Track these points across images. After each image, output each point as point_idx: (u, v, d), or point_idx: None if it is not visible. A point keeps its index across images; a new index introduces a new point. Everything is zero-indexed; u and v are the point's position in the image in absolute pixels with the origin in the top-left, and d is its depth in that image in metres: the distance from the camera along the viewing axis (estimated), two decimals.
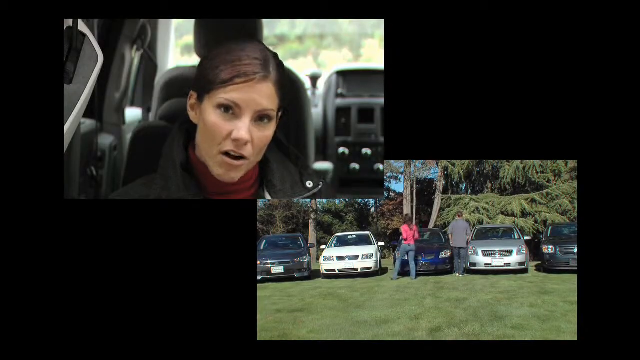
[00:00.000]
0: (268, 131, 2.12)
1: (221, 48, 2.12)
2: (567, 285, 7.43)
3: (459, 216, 11.21)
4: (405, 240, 9.90)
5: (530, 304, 5.79)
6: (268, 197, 2.30)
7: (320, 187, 2.36)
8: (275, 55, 2.17)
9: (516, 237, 10.93)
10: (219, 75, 2.05)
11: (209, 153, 2.12)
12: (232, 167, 2.10)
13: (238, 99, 2.03)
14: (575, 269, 3.41)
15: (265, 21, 3.47)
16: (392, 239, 10.82)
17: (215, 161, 2.11)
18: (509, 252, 10.02)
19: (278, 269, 10.10)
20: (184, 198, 2.18)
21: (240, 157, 2.09)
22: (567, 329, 4.34)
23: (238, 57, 2.07)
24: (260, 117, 2.08)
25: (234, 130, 2.05)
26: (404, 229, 10.09)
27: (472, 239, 10.85)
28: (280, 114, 2.21)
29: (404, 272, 9.95)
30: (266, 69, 2.08)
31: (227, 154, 2.08)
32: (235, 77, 2.03)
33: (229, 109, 2.05)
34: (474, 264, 10.04)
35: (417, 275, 9.79)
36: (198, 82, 2.13)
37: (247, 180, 2.25)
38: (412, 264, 9.75)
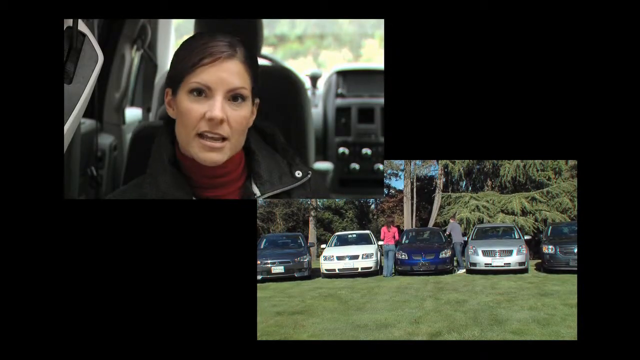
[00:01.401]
0: (243, 111, 2.13)
1: (187, 41, 2.18)
2: (567, 287, 7.43)
3: (452, 219, 11.71)
4: (383, 240, 10.55)
5: (530, 307, 5.79)
6: (256, 190, 2.29)
7: (309, 176, 2.36)
8: (243, 41, 2.20)
9: (516, 237, 10.92)
10: (187, 62, 2.10)
11: (187, 139, 2.13)
12: (213, 148, 2.10)
13: (207, 80, 2.07)
14: (575, 269, 3.43)
15: (265, 21, 3.47)
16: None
17: (194, 145, 2.11)
18: (509, 252, 9.97)
19: (278, 269, 10.11)
20: (174, 197, 2.18)
21: (220, 138, 2.10)
22: (566, 334, 4.33)
23: (203, 42, 2.12)
24: (234, 97, 2.11)
25: (207, 111, 2.07)
26: (383, 230, 10.69)
27: (472, 238, 10.90)
28: (257, 100, 2.23)
29: (397, 270, 10.23)
30: (232, 48, 2.11)
31: (204, 135, 2.09)
32: (201, 59, 2.08)
33: (201, 92, 2.08)
34: (474, 264, 10.05)
35: (418, 274, 10.01)
36: (170, 78, 2.17)
37: (234, 170, 2.24)
38: (387, 263, 10.21)
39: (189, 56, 2.11)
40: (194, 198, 2.23)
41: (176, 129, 2.18)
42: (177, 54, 2.17)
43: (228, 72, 2.08)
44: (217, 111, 2.06)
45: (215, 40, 2.12)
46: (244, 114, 2.13)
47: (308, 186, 2.37)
